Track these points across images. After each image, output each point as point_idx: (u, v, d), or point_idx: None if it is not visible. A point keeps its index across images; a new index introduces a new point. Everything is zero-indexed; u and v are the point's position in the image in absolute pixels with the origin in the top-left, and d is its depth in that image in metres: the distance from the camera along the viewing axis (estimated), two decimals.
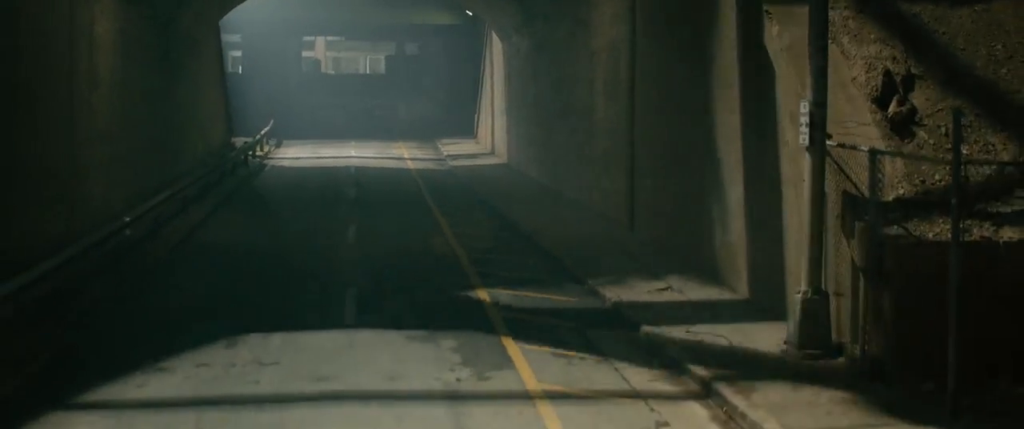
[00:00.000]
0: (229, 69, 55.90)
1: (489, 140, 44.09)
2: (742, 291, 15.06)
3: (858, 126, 12.52)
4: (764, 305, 14.01)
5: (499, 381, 11.14)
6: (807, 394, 10.35)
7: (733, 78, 15.40)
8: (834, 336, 11.82)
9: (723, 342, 12.37)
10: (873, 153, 11.14)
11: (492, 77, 43.80)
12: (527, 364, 11.76)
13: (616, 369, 11.72)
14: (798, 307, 11.79)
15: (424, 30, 60.51)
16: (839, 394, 10.30)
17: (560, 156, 28.79)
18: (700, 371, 11.18)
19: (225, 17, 41.70)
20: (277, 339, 12.75)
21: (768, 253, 14.20)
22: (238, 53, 59.69)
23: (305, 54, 67.38)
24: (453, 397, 10.53)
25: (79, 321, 13.21)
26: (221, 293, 15.89)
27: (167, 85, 29.78)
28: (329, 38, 77.59)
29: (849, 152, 11.77)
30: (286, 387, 10.84)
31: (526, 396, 10.60)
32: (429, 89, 64.31)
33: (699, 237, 17.01)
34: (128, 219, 16.95)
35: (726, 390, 10.45)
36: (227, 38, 49.39)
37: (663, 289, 15.56)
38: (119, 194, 22.34)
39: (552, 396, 10.55)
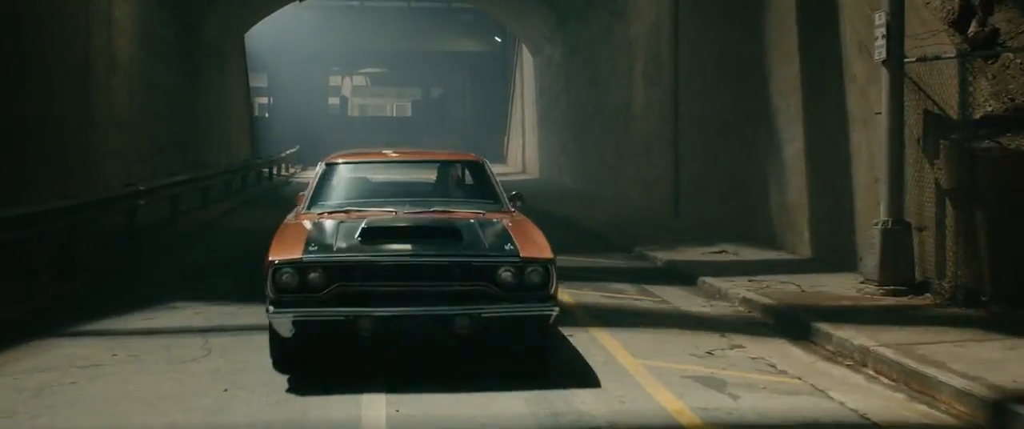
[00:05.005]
0: (256, 113, 55.28)
1: (519, 160, 43.13)
2: (803, 251, 13.85)
3: (935, 47, 11.39)
4: (829, 262, 12.79)
5: None
6: (898, 319, 9.11)
7: (790, 23, 14.32)
8: (918, 274, 10.59)
9: (792, 287, 11.15)
10: (962, 56, 9.99)
11: (522, 96, 42.92)
12: (577, 304, 10.58)
13: (677, 307, 10.54)
14: (878, 240, 10.58)
15: (450, 64, 59.93)
16: (933, 318, 9.07)
17: (596, 157, 27.70)
18: (773, 304, 9.99)
19: (252, 60, 40.97)
20: None
21: (832, 207, 13.03)
22: (265, 100, 58.99)
23: (331, 100, 66.97)
24: None
25: (89, 274, 12.17)
26: (242, 253, 14.71)
27: (192, 90, 29.01)
28: (355, 83, 77.42)
29: (930, 68, 10.61)
30: None
31: (577, 326, 9.40)
32: (456, 123, 63.67)
33: (753, 205, 15.85)
34: (142, 188, 15.84)
35: (806, 317, 9.23)
36: (254, 84, 48.60)
37: (717, 252, 14.35)
38: None
39: (607, 325, 9.36)
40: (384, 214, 8.23)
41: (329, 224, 7.97)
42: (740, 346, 8.60)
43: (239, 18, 34.70)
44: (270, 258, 7.09)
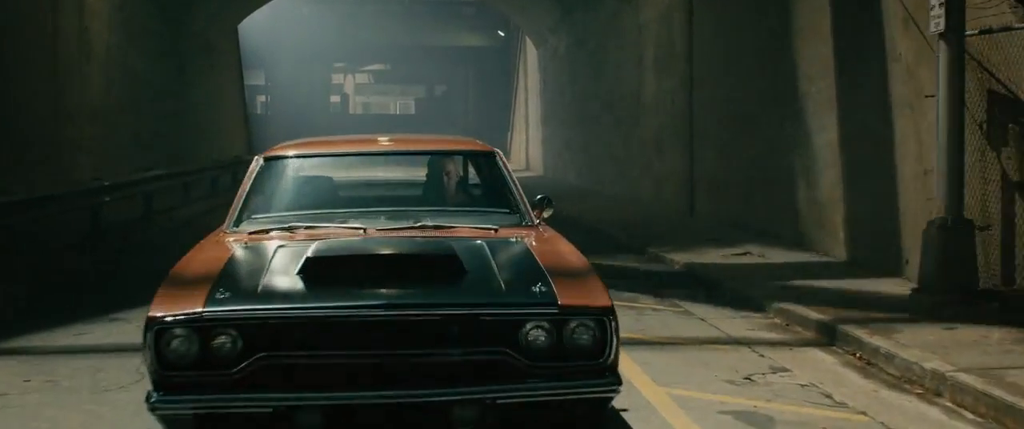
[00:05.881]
0: (258, 111, 53.81)
1: (523, 156, 41.69)
2: (838, 253, 12.39)
3: (996, 18, 9.95)
4: (869, 265, 11.35)
5: None
6: (970, 334, 7.66)
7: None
8: (982, 280, 9.14)
9: (833, 294, 9.70)
10: None
11: (526, 91, 41.53)
12: None
13: (702, 319, 9.08)
14: (934, 241, 9.13)
15: (453, 60, 58.64)
16: (1011, 335, 7.62)
17: (602, 152, 26.25)
18: (816, 315, 8.54)
19: (249, 57, 39.32)
20: None
21: (872, 204, 11.59)
22: (264, 98, 57.54)
23: (333, 99, 65.70)
24: None
25: (32, 279, 10.74)
26: None
27: (178, 83, 27.61)
28: (358, 81, 76.26)
29: (992, 42, 9.17)
30: None
31: None
32: (458, 119, 62.40)
33: (778, 202, 14.40)
34: (107, 183, 14.44)
35: (858, 332, 7.78)
36: (252, 82, 47.10)
37: (741, 254, 12.90)
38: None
39: (623, 343, 7.90)
40: (347, 233, 5.56)
41: (259, 252, 5.30)
42: (784, 369, 7.16)
43: (230, 8, 33.27)
44: (152, 313, 4.49)
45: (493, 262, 4.99)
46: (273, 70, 55.56)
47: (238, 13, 35.16)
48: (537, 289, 4.64)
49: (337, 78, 69.30)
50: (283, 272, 4.87)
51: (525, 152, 41.23)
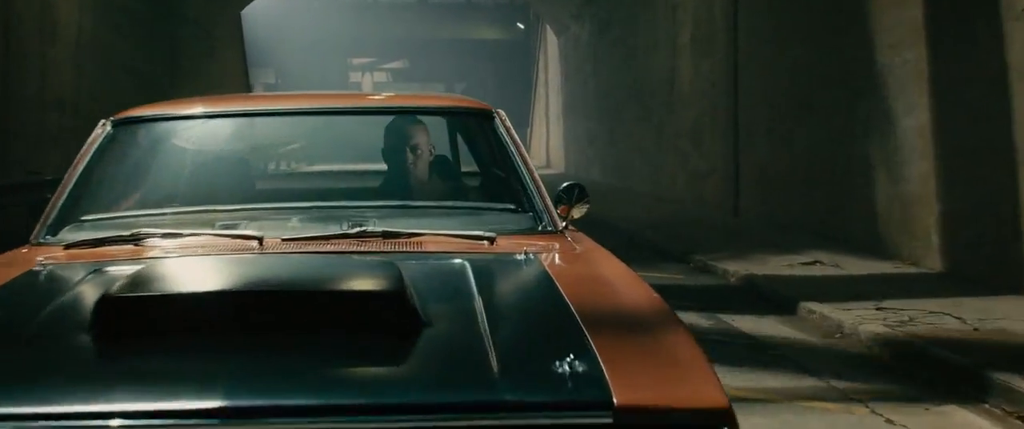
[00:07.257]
0: None
1: (543, 153, 39.48)
2: (930, 263, 10.02)
3: None
4: (976, 279, 8.99)
5: None
6: None
7: None
8: None
9: (950, 320, 7.34)
10: None
11: (546, 84, 39.36)
12: None
13: (784, 357, 6.73)
14: None
15: (472, 56, 56.87)
16: None
17: (631, 146, 23.90)
18: (952, 356, 6.18)
19: (258, 54, 37.45)
20: None
21: (978, 201, 9.25)
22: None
23: None
24: None
25: None
26: None
27: (171, 73, 25.50)
28: (376, 80, 74.69)
29: None
30: None
31: None
32: None
33: (846, 200, 12.05)
34: (49, 177, 12.27)
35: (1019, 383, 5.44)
36: (264, 81, 45.31)
37: (809, 263, 10.54)
38: None
39: None
40: (230, 246, 3.03)
41: (49, 284, 2.79)
42: None
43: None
44: None
45: (480, 305, 2.36)
46: (284, 68, 53.69)
47: (237, 2, 33.00)
48: (566, 368, 1.97)
49: (355, 77, 67.79)
50: (62, 326, 2.33)
51: (545, 149, 39.08)
